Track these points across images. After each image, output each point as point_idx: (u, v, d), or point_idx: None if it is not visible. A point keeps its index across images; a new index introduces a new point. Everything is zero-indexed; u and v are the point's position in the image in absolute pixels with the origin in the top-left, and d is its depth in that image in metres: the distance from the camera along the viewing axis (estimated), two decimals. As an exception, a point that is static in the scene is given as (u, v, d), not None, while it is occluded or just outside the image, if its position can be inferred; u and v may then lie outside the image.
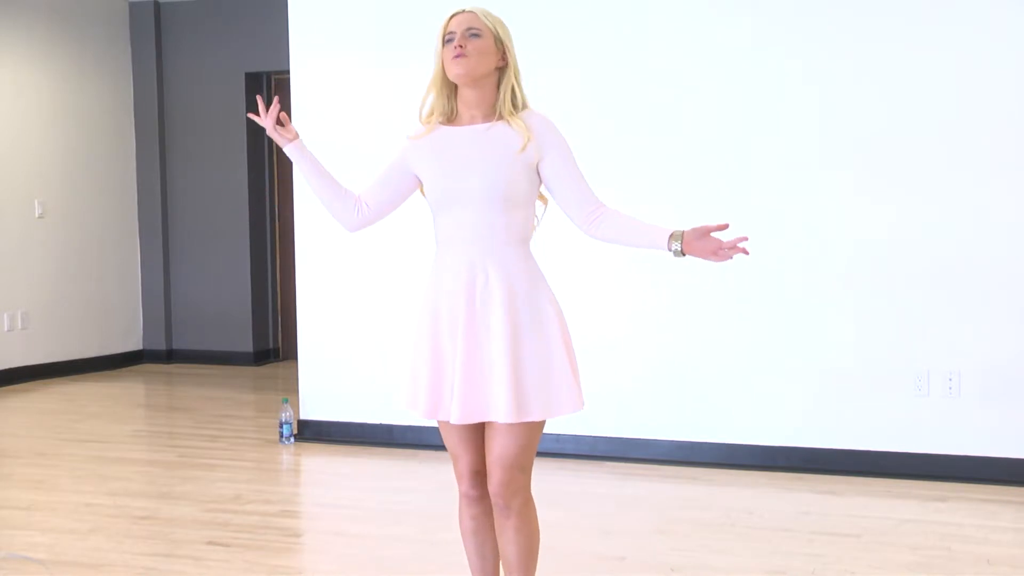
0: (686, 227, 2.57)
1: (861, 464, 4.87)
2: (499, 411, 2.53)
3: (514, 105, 2.61)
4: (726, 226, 2.52)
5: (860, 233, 4.86)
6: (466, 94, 2.62)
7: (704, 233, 2.51)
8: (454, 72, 2.58)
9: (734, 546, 3.87)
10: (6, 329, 7.53)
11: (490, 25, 2.59)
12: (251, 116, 2.87)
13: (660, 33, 5.10)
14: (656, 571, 3.61)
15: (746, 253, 2.54)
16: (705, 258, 2.52)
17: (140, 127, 8.61)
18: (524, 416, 2.54)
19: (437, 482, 4.93)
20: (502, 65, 2.61)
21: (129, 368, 8.45)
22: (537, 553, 2.68)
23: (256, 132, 8.56)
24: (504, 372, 2.52)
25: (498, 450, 2.58)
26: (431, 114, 2.68)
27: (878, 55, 4.81)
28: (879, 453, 4.87)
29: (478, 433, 2.66)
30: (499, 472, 2.59)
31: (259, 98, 2.83)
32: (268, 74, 8.56)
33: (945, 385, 4.78)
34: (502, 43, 2.59)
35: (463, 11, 2.62)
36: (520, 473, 2.59)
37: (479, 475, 2.70)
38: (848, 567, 3.62)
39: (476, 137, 2.61)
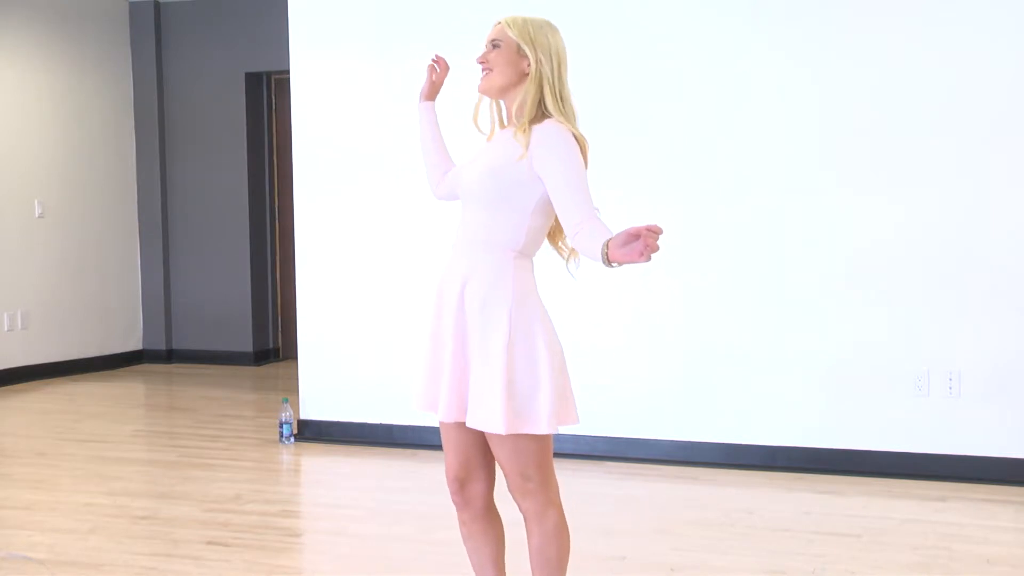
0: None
1: (861, 464, 4.87)
2: (441, 407, 2.56)
3: (543, 115, 2.57)
4: (656, 228, 2.18)
5: (860, 233, 4.86)
6: (503, 103, 2.66)
7: (625, 240, 2.22)
8: (479, 88, 2.65)
9: (734, 546, 3.87)
10: (6, 329, 7.53)
11: (514, 36, 2.58)
12: (433, 65, 2.96)
13: (660, 33, 5.10)
14: (656, 571, 3.61)
15: (659, 231, 2.18)
16: (633, 261, 2.22)
17: (140, 127, 8.61)
18: (460, 417, 2.55)
19: (437, 482, 4.90)
20: (529, 72, 2.58)
21: (129, 368, 8.45)
22: (558, 563, 2.62)
23: (256, 132, 8.56)
24: (446, 369, 2.55)
25: (495, 454, 2.59)
26: (488, 120, 2.73)
27: (878, 55, 4.81)
28: (879, 453, 4.87)
29: (461, 437, 2.64)
30: (505, 475, 2.60)
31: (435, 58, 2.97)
32: (268, 74, 8.56)
33: (945, 385, 4.78)
34: (526, 53, 2.57)
35: (498, 23, 2.64)
36: (523, 480, 2.57)
37: (459, 482, 2.70)
38: (848, 567, 3.62)
39: (498, 140, 2.65)
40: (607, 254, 2.27)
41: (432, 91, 2.97)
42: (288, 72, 5.91)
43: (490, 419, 2.48)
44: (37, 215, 7.78)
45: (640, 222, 2.31)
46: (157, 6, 8.55)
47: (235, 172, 8.50)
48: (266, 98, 8.66)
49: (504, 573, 2.79)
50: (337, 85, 5.62)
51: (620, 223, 2.39)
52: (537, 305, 2.58)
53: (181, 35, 8.57)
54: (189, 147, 8.61)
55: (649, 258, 2.19)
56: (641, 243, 2.18)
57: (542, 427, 2.50)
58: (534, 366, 2.51)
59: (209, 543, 3.93)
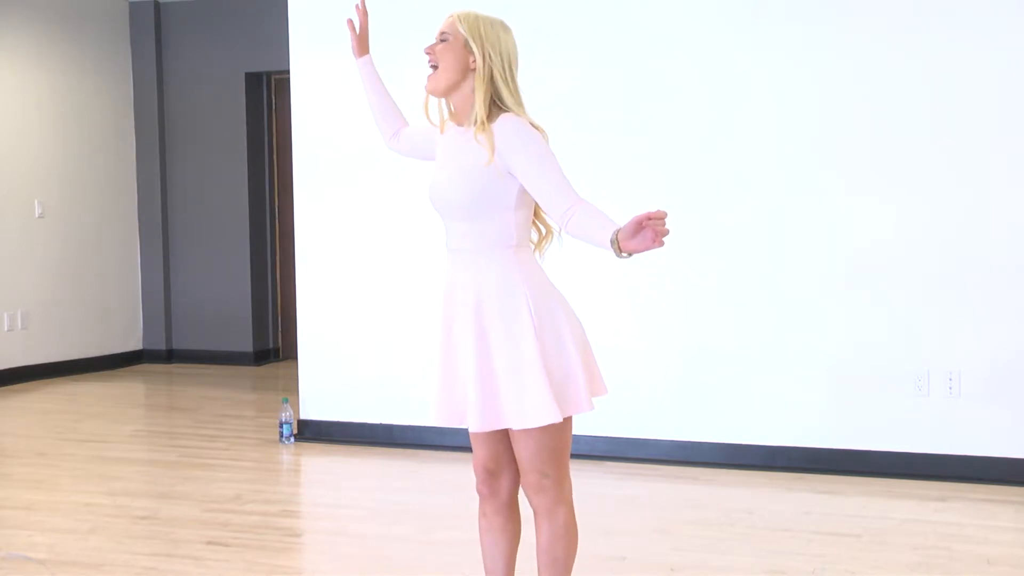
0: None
1: (861, 464, 4.87)
2: (469, 418, 2.53)
3: (498, 110, 2.53)
4: (658, 213, 2.19)
5: (860, 233, 4.86)
6: (451, 99, 2.62)
7: (634, 230, 2.22)
8: (426, 87, 2.61)
9: (734, 546, 3.87)
10: (6, 329, 7.53)
11: (463, 31, 2.54)
12: (350, 20, 2.96)
13: (659, 33, 5.09)
14: (656, 571, 3.61)
15: (663, 215, 2.21)
16: (648, 249, 2.23)
17: (140, 127, 8.62)
18: (494, 424, 2.52)
19: (437, 482, 4.93)
20: (475, 68, 2.53)
21: (129, 368, 8.45)
22: (565, 561, 2.63)
23: (256, 132, 8.57)
24: (472, 380, 2.51)
25: (517, 452, 2.58)
26: (438, 112, 2.68)
27: (877, 56, 4.81)
28: (879, 453, 4.87)
29: (490, 434, 2.64)
30: (522, 472, 2.60)
31: (357, 7, 2.96)
32: (268, 74, 8.56)
33: (945, 385, 4.78)
34: (472, 49, 2.52)
35: (450, 16, 2.59)
36: (540, 476, 2.57)
37: (488, 473, 2.70)
38: (848, 567, 3.62)
39: (458, 144, 2.59)
40: (619, 246, 2.27)
41: (361, 45, 2.97)
42: (288, 72, 5.91)
43: (541, 413, 2.47)
44: (37, 215, 7.78)
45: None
46: (157, 6, 8.55)
47: (235, 172, 8.50)
48: (266, 98, 8.66)
49: (513, 572, 2.79)
50: (337, 85, 5.62)
51: (620, 220, 2.37)
52: (550, 288, 2.58)
53: (181, 35, 8.57)
54: (189, 147, 8.61)
55: (663, 243, 2.21)
56: (650, 231, 2.20)
57: (583, 405, 2.53)
58: (563, 349, 2.53)
59: (209, 543, 3.93)
